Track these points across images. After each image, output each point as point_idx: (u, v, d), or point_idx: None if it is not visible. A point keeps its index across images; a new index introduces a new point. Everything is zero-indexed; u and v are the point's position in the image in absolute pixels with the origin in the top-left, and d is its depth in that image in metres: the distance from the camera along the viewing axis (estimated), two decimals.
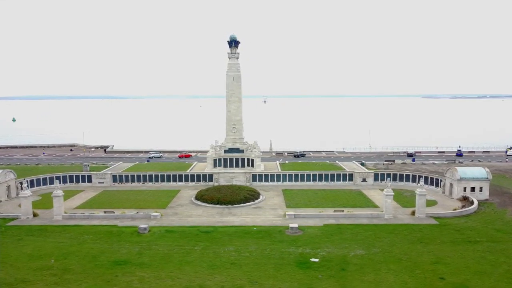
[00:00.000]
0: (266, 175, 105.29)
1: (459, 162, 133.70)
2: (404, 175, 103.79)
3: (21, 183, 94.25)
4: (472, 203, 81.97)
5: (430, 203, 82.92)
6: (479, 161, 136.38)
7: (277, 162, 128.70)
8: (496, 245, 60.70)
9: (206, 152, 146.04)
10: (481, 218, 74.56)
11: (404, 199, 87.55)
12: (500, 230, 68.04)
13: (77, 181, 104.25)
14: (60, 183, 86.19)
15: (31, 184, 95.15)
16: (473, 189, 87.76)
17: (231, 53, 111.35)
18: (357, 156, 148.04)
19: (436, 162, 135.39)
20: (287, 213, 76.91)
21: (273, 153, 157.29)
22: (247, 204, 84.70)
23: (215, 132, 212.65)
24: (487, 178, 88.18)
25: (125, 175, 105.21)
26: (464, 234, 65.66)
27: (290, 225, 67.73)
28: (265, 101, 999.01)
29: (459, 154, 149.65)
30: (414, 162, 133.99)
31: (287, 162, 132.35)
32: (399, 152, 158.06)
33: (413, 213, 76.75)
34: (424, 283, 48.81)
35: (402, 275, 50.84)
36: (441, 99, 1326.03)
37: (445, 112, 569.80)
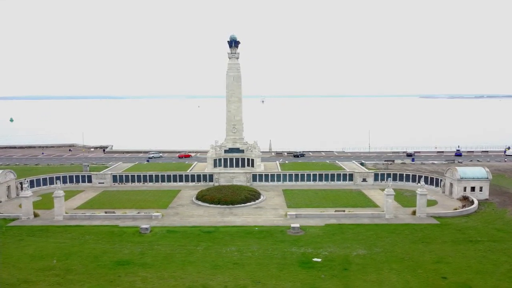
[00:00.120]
0: (266, 175, 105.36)
1: (458, 162, 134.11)
2: (404, 175, 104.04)
3: (21, 183, 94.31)
4: (472, 202, 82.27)
5: (431, 203, 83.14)
6: (478, 161, 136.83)
7: (277, 162, 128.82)
8: (497, 245, 60.93)
9: (205, 152, 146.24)
10: (482, 218, 74.82)
11: (405, 199, 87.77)
12: (501, 229, 68.30)
13: (77, 181, 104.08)
14: (60, 183, 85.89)
15: (31, 184, 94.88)
16: (473, 188, 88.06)
17: (231, 53, 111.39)
18: (357, 156, 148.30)
19: (435, 162, 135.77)
20: (288, 213, 77.00)
21: (273, 153, 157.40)
22: (248, 204, 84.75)
23: (214, 132, 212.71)
24: (487, 178, 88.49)
25: (125, 175, 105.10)
26: (465, 234, 65.88)
27: (292, 225, 67.81)
28: (263, 101, 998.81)
29: (458, 154, 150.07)
30: (413, 162, 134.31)
31: (287, 162, 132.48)
32: (398, 152, 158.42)
33: (413, 212, 76.96)
34: (427, 283, 48.96)
35: (405, 275, 50.99)
36: (439, 99, 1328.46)
37: (443, 112, 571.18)
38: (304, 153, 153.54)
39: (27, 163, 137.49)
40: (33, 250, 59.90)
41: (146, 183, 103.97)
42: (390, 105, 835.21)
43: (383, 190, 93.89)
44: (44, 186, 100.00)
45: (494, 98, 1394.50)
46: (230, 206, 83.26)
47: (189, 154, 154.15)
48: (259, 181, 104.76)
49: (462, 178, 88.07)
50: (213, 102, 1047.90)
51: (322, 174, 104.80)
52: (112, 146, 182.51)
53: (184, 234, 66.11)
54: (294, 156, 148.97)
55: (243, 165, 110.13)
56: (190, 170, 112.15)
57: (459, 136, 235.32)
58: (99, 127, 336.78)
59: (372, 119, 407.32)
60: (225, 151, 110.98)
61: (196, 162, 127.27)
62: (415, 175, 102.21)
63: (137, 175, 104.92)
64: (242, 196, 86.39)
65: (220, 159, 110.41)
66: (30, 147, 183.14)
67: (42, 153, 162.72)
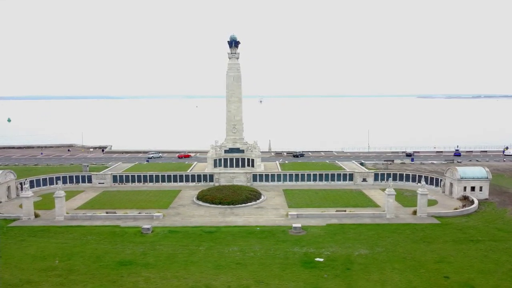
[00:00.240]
0: (266, 175, 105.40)
1: (458, 162, 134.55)
2: (404, 175, 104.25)
3: (21, 183, 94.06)
4: (472, 202, 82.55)
5: (431, 203, 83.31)
6: (477, 160, 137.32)
7: (277, 162, 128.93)
8: (498, 244, 61.19)
9: (205, 152, 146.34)
10: (482, 218, 75.09)
11: (405, 198, 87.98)
12: (502, 229, 68.58)
13: (77, 182, 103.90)
14: (60, 183, 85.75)
15: (31, 184, 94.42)
16: (473, 188, 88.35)
17: (231, 53, 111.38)
18: (356, 156, 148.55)
19: (434, 162, 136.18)
20: (289, 213, 77.08)
21: (272, 153, 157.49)
22: (249, 204, 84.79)
23: (212, 132, 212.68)
24: (487, 178, 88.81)
25: (125, 176, 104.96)
26: (466, 233, 66.12)
27: (294, 225, 67.88)
28: (261, 101, 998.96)
29: (457, 154, 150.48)
30: (413, 162, 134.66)
31: (286, 162, 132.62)
32: (397, 152, 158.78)
33: (414, 212, 77.17)
34: (429, 282, 49.13)
35: (407, 274, 51.15)
36: (436, 99, 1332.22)
37: (440, 112, 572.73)
38: (303, 153, 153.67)
39: (26, 163, 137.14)
40: (34, 250, 59.79)
41: (146, 183, 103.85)
42: (388, 105, 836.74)
43: (383, 190, 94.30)
44: (44, 187, 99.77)
45: (491, 98, 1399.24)
46: (231, 206, 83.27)
47: (189, 154, 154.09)
48: (259, 181, 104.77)
49: (462, 178, 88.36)
50: (211, 102, 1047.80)
51: (322, 174, 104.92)
52: (111, 146, 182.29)
53: (186, 234, 66.11)
54: (294, 156, 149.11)
55: (243, 165, 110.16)
56: (190, 170, 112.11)
57: (458, 136, 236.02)
58: (98, 127, 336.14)
59: (370, 119, 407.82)
60: (225, 151, 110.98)
61: (196, 162, 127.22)
62: (415, 175, 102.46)
63: (137, 175, 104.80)
64: (243, 196, 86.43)
65: (220, 159, 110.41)
66: (28, 147, 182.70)
67: (41, 153, 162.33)
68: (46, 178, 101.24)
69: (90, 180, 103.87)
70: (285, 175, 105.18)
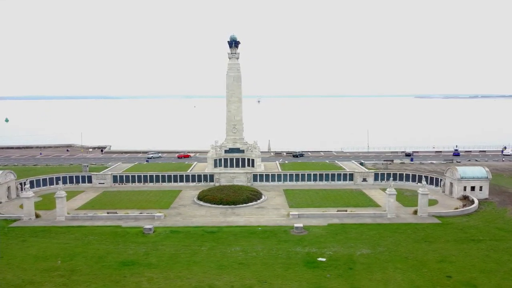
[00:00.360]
0: (267, 175, 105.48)
1: (457, 161, 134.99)
2: (404, 175, 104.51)
3: (21, 184, 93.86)
4: (472, 202, 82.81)
5: (431, 202, 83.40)
6: (476, 160, 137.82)
7: (277, 162, 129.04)
8: (500, 244, 61.45)
9: (204, 152, 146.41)
10: (483, 217, 75.34)
11: (405, 198, 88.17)
12: (502, 228, 68.86)
13: (77, 182, 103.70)
14: (61, 183, 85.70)
15: (31, 185, 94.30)
16: (473, 188, 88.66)
17: (231, 53, 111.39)
18: (356, 156, 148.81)
19: (434, 161, 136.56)
20: (290, 213, 77.16)
21: (272, 153, 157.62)
22: (249, 204, 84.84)
23: (211, 132, 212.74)
24: (487, 178, 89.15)
25: (125, 176, 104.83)
26: (467, 233, 66.36)
27: (295, 225, 67.97)
28: (259, 101, 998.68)
29: (456, 153, 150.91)
30: (412, 162, 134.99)
31: (286, 162, 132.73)
32: (396, 152, 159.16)
33: (415, 212, 77.38)
34: (432, 282, 49.31)
35: (410, 274, 51.32)
36: (434, 99, 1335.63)
37: (438, 112, 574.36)
38: (303, 153, 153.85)
39: (25, 163, 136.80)
40: (36, 251, 59.68)
41: (146, 184, 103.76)
42: (386, 105, 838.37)
43: (383, 189, 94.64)
44: (44, 187, 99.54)
45: (488, 98, 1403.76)
46: (232, 206, 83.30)
47: (188, 154, 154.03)
48: (259, 181, 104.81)
49: (462, 178, 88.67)
50: (209, 102, 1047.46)
51: (323, 174, 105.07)
52: (110, 146, 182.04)
53: (188, 234, 66.11)
54: (294, 156, 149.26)
55: (243, 165, 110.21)
56: (190, 170, 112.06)
57: (456, 135, 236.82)
58: (97, 127, 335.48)
59: (369, 119, 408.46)
60: (226, 151, 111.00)
61: (196, 162, 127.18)
62: (415, 175, 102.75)
63: (138, 176, 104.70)
64: (244, 196, 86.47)
65: (220, 159, 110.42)
66: (27, 147, 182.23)
67: (40, 154, 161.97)
68: (46, 179, 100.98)
69: (90, 180, 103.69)
70: (285, 175, 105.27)
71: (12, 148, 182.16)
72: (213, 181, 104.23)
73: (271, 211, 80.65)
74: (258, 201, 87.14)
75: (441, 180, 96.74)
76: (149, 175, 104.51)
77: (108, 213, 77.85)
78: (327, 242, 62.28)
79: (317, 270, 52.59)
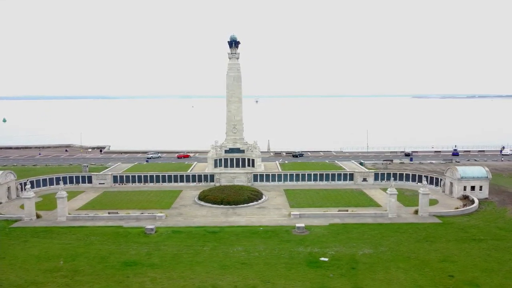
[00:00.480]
0: (267, 175, 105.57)
1: (456, 161, 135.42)
2: (404, 175, 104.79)
3: (21, 184, 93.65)
4: (472, 202, 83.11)
5: (431, 202, 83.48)
6: (475, 160, 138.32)
7: (277, 162, 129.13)
8: (501, 243, 61.72)
9: (204, 152, 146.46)
10: (483, 217, 75.64)
11: (406, 198, 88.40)
12: (503, 228, 69.16)
13: (77, 182, 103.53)
14: (62, 184, 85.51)
15: (31, 185, 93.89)
16: (473, 188, 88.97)
17: (231, 53, 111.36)
18: (355, 156, 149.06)
19: (433, 161, 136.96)
20: (292, 213, 77.27)
21: (271, 153, 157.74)
22: (250, 204, 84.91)
23: (210, 132, 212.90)
24: (487, 177, 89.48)
25: (125, 176, 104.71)
26: (468, 233, 66.61)
27: (297, 225, 68.07)
28: (257, 101, 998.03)
29: (455, 153, 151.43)
30: (411, 162, 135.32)
31: (286, 162, 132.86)
32: (396, 152, 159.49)
33: (416, 212, 77.61)
34: (434, 281, 49.49)
35: (412, 273, 51.49)
36: (431, 99, 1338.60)
37: (436, 112, 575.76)
38: (302, 153, 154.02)
39: (24, 163, 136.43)
40: (38, 251, 59.57)
41: (147, 184, 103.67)
42: (384, 105, 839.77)
43: (383, 189, 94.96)
44: (44, 187, 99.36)
45: (485, 98, 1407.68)
46: (233, 206, 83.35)
47: (188, 154, 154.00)
48: (260, 181, 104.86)
49: (462, 178, 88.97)
50: (207, 102, 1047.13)
51: (323, 174, 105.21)
52: (110, 146, 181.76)
53: (190, 235, 66.12)
54: (293, 156, 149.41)
55: (243, 165, 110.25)
56: (190, 171, 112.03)
57: (455, 135, 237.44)
58: (96, 127, 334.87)
59: (368, 119, 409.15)
60: (226, 151, 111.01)
61: (195, 162, 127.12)
62: (415, 175, 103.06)
63: (138, 176, 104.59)
64: (245, 196, 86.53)
65: (220, 159, 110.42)
66: (26, 147, 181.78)
67: (39, 154, 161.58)
68: (46, 179, 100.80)
69: (90, 181, 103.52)
70: (285, 175, 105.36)
71: (10, 148, 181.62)
72: (213, 181, 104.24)
73: (272, 211, 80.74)
74: (259, 201, 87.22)
75: (441, 180, 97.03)
76: (149, 175, 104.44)
77: (109, 213, 77.77)
78: (329, 242, 62.41)
79: (320, 270, 52.70)
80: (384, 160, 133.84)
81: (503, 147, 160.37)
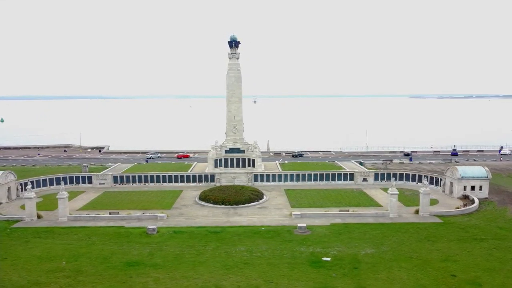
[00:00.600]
0: (267, 175, 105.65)
1: (455, 161, 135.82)
2: (404, 174, 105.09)
3: (21, 184, 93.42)
4: (472, 201, 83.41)
5: (432, 202, 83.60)
6: (474, 160, 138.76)
7: (277, 162, 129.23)
8: (502, 243, 61.97)
9: (203, 152, 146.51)
10: (483, 216, 75.92)
11: (406, 198, 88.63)
12: (503, 228, 69.43)
13: (77, 182, 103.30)
14: (64, 184, 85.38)
15: (31, 185, 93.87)
16: (473, 187, 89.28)
17: (232, 53, 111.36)
18: (354, 156, 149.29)
19: (432, 161, 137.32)
20: (293, 212, 77.36)
21: (271, 153, 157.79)
22: (251, 204, 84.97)
23: (209, 133, 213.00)
24: (487, 177, 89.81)
25: (126, 176, 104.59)
26: (469, 232, 66.84)
27: (299, 225, 68.17)
28: (255, 101, 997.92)
29: (454, 153, 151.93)
30: (411, 162, 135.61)
31: (286, 162, 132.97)
32: (395, 152, 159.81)
33: (416, 211, 77.81)
34: (437, 280, 49.65)
35: (415, 273, 51.64)
36: (429, 99, 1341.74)
37: (434, 112, 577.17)
38: (302, 153, 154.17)
39: (24, 164, 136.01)
40: (40, 251, 59.45)
41: (147, 184, 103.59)
42: (382, 105, 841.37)
43: (384, 189, 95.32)
44: (44, 187, 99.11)
45: (482, 98, 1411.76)
46: (234, 206, 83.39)
47: (188, 154, 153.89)
48: (260, 181, 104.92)
49: (462, 177, 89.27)
50: (205, 102, 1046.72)
51: (323, 174, 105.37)
52: (109, 146, 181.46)
53: (192, 235, 66.12)
54: (293, 156, 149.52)
55: (243, 165, 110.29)
56: (190, 171, 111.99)
57: (454, 135, 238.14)
58: (94, 127, 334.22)
59: (366, 119, 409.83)
60: (226, 151, 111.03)
61: (195, 163, 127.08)
62: (415, 175, 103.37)
63: (138, 176, 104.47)
64: (246, 196, 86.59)
65: (220, 159, 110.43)
66: (25, 147, 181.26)
67: (38, 154, 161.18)
68: (46, 179, 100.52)
69: (90, 181, 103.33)
70: (286, 175, 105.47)
71: (9, 148, 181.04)
72: (213, 181, 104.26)
73: (273, 211, 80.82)
74: (260, 201, 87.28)
75: (441, 179, 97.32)
76: (150, 176, 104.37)
77: (110, 213, 77.66)
78: (331, 242, 62.53)
79: (323, 269, 52.79)
80: (383, 160, 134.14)
81: (502, 147, 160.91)
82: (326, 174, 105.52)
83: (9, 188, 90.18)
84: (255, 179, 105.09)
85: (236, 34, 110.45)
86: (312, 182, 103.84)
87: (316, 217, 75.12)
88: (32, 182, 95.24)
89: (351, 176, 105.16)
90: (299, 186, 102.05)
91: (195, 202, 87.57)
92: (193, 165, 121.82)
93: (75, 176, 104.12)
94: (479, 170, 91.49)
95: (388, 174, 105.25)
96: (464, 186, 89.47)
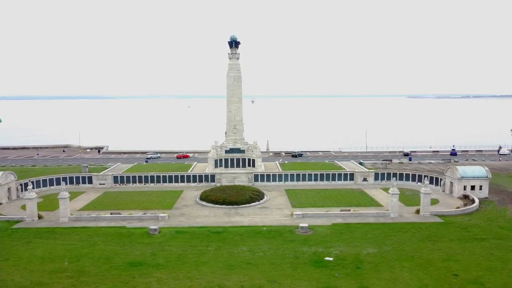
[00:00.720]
0: (268, 175, 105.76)
1: (454, 161, 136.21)
2: (404, 174, 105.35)
3: (21, 185, 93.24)
4: (472, 201, 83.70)
5: (432, 202, 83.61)
6: (473, 160, 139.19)
7: (277, 162, 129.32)
8: (503, 242, 62.21)
9: (203, 152, 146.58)
10: (484, 216, 76.20)
11: (406, 198, 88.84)
12: (504, 227, 69.73)
13: (77, 183, 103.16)
14: (65, 184, 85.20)
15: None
16: (473, 187, 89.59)
17: (232, 53, 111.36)
18: (354, 156, 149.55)
19: (432, 161, 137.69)
20: (294, 212, 77.47)
21: (271, 153, 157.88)
22: (252, 204, 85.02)
23: (209, 133, 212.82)
24: (487, 177, 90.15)
25: (126, 176, 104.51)
26: (470, 232, 67.08)
27: (300, 225, 68.26)
28: (253, 101, 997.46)
29: (453, 153, 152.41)
30: (410, 162, 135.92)
31: (286, 162, 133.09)
32: (394, 152, 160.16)
33: (417, 211, 78.03)
34: (439, 280, 49.81)
35: (417, 273, 51.80)
36: (426, 99, 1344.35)
37: (432, 111, 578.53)
38: (302, 153, 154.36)
39: (23, 164, 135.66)
40: (42, 252, 59.33)
41: (147, 184, 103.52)
42: (380, 105, 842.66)
43: (384, 189, 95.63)
44: (44, 188, 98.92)
45: (480, 98, 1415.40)
46: (235, 206, 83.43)
47: (187, 154, 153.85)
48: (260, 181, 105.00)
49: (462, 177, 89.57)
50: (203, 102, 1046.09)
51: (323, 173, 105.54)
52: (108, 147, 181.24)
53: (194, 235, 66.13)
54: (293, 156, 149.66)
55: (244, 165, 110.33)
56: (191, 171, 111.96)
57: (452, 135, 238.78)
58: (93, 127, 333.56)
59: (365, 119, 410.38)
60: (226, 152, 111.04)
61: (195, 163, 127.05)
62: (415, 174, 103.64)
63: (138, 176, 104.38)
64: (247, 196, 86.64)
65: (221, 160, 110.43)
66: (24, 148, 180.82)
67: (37, 154, 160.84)
68: (46, 179, 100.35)
69: (90, 181, 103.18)
70: (286, 175, 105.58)
71: (8, 148, 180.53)
72: (214, 182, 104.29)
73: (274, 211, 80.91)
74: (261, 201, 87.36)
75: (440, 179, 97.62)
76: (150, 176, 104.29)
77: (111, 213, 77.55)
78: (333, 242, 62.65)
79: (325, 269, 52.89)
80: (383, 160, 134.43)
81: (500, 147, 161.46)
82: (326, 174, 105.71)
83: (9, 189, 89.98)
84: (256, 179, 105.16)
85: (236, 34, 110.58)
86: (313, 182, 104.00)
87: (317, 217, 75.24)
88: (32, 183, 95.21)
89: (351, 176, 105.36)
90: (299, 186, 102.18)
91: (196, 202, 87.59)
92: (193, 165, 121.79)
93: (75, 177, 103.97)
94: (479, 170, 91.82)
95: (388, 174, 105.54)
96: (464, 186, 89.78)
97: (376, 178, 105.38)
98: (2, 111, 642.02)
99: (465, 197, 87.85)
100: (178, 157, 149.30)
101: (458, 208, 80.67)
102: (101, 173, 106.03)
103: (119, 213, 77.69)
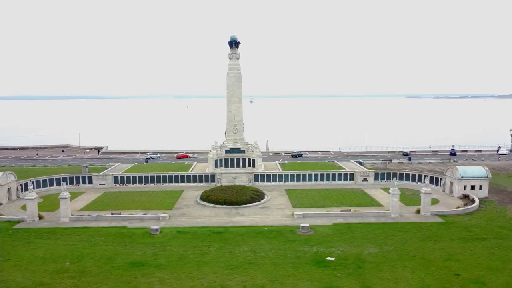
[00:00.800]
0: (268, 175, 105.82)
1: (454, 161, 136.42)
2: (404, 174, 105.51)
3: (21, 185, 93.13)
4: (472, 201, 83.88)
5: (432, 202, 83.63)
6: (472, 159, 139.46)
7: (277, 162, 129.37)
8: (503, 242, 62.38)
9: (203, 152, 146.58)
10: (484, 216, 76.37)
11: (407, 197, 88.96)
12: (504, 227, 69.91)
13: (77, 183, 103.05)
14: (65, 184, 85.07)
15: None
16: (473, 187, 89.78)
17: (232, 53, 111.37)
18: (353, 156, 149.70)
19: (431, 161, 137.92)
20: (295, 212, 77.55)
21: (271, 153, 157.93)
22: (253, 204, 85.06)
23: (208, 133, 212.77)
24: (487, 177, 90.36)
25: (126, 176, 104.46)
26: (471, 232, 67.25)
27: (301, 225, 68.33)
28: (251, 101, 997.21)
29: (452, 153, 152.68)
30: (410, 162, 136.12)
31: (286, 162, 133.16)
32: (394, 152, 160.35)
33: (418, 211, 78.17)
34: (441, 280, 49.93)
35: (418, 272, 51.92)
36: (425, 99, 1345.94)
37: (431, 111, 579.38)
38: (301, 153, 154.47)
39: (23, 164, 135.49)
40: (43, 252, 59.29)
41: (147, 184, 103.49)
42: (379, 105, 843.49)
43: (384, 189, 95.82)
44: (44, 188, 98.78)
45: (478, 98, 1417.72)
46: (236, 206, 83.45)
47: (187, 154, 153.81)
48: (261, 181, 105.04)
49: (462, 177, 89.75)
50: (202, 102, 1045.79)
51: (323, 173, 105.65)
52: (107, 147, 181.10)
53: (195, 235, 66.15)
54: (292, 156, 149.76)
55: (244, 165, 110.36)
56: (191, 171, 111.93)
57: (451, 135, 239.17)
58: (93, 127, 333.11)
59: (365, 119, 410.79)
60: (226, 152, 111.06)
61: (195, 163, 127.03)
62: (415, 174, 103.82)
63: (139, 176, 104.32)
64: (247, 196, 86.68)
65: (221, 160, 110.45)
66: (23, 148, 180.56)
67: (37, 154, 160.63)
68: (46, 180, 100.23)
69: (90, 181, 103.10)
70: (286, 175, 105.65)
71: (7, 149, 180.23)
72: (214, 182, 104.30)
73: (275, 211, 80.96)
74: (262, 201, 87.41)
75: (440, 179, 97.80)
76: (150, 176, 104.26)
77: (112, 214, 77.50)
78: (334, 242, 62.74)
79: (327, 269, 52.98)
80: (383, 160, 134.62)
81: (499, 147, 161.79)
82: (326, 174, 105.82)
83: (9, 189, 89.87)
84: (256, 179, 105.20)
85: (236, 34, 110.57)
86: (313, 182, 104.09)
87: (318, 217, 75.32)
88: (32, 183, 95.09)
89: (352, 176, 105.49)
90: (299, 186, 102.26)
91: (196, 202, 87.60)
92: (193, 165, 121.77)
93: (75, 177, 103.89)
94: (479, 170, 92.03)
95: (388, 174, 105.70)
96: (464, 186, 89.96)
97: (376, 178, 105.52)
98: (3, 111, 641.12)
99: (465, 197, 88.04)
100: (178, 157, 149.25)
101: (459, 208, 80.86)
102: (101, 173, 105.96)
103: (120, 213, 77.65)
